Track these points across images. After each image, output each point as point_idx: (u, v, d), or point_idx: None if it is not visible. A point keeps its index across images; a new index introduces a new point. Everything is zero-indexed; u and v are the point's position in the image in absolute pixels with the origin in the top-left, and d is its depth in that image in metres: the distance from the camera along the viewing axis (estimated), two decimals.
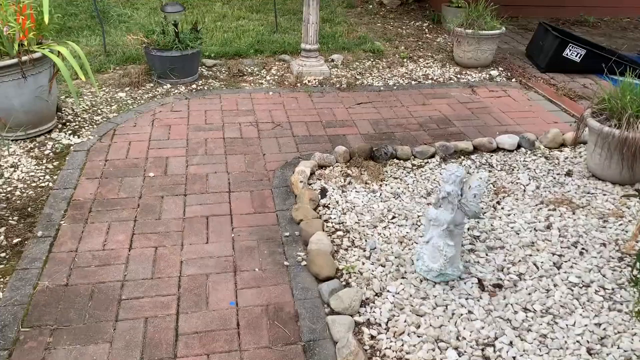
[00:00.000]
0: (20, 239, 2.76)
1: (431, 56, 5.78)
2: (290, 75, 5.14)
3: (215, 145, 3.78)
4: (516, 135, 3.81)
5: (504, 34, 5.55)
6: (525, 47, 5.97)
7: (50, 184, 3.25)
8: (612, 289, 2.47)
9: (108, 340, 2.18)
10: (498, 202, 3.15)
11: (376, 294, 2.43)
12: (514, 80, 5.19)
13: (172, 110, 4.27)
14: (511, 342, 2.17)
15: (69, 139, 3.75)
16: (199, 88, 4.75)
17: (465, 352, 2.13)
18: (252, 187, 3.29)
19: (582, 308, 2.36)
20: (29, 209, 3.00)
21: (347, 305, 2.30)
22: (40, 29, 3.64)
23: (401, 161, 3.59)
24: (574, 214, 3.04)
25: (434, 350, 2.14)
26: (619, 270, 2.59)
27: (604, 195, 3.24)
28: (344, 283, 2.48)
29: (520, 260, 2.65)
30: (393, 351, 2.13)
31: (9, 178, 3.29)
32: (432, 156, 3.65)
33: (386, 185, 3.30)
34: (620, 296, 2.43)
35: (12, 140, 3.63)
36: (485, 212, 3.03)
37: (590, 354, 2.13)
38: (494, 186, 3.33)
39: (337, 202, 3.11)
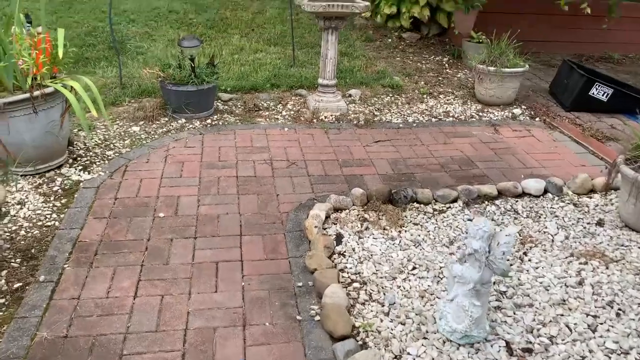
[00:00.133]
0: (21, 284, 2.63)
1: (452, 92, 5.65)
2: (307, 110, 5.04)
3: (228, 184, 3.66)
4: (542, 180, 3.63)
5: (527, 71, 5.42)
6: (549, 85, 5.82)
7: (57, 223, 3.14)
8: None
9: None
10: (525, 253, 2.96)
11: (395, 357, 2.24)
12: (537, 119, 5.03)
13: (186, 146, 4.17)
14: None
15: (79, 175, 3.65)
16: (213, 123, 4.66)
17: None
18: (264, 231, 3.14)
19: None
20: (33, 251, 2.89)
21: None
22: (55, 62, 3.58)
23: (422, 205, 3.43)
24: (607, 268, 2.83)
25: None
26: None
27: None
28: (360, 343, 2.31)
29: (551, 321, 2.45)
30: None
31: (14, 216, 3.19)
32: (455, 200, 3.48)
33: (406, 231, 3.14)
34: None
35: (21, 176, 3.55)
36: (511, 265, 2.85)
37: None
38: (520, 235, 3.14)
39: (354, 249, 2.94)
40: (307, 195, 3.55)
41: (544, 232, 3.17)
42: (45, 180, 3.59)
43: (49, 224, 3.14)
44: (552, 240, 3.09)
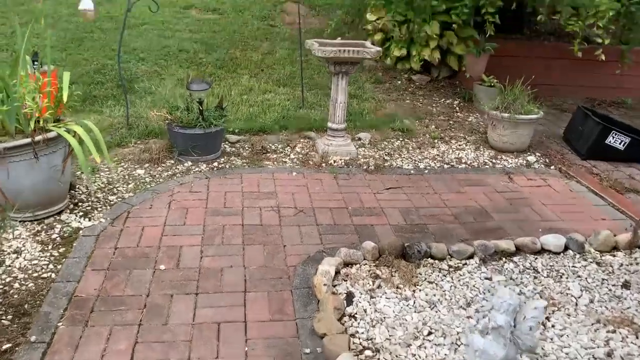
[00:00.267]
0: (11, 345, 2.46)
1: (464, 137, 5.53)
2: (316, 154, 4.92)
3: (233, 233, 3.51)
4: (562, 236, 3.46)
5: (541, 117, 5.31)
6: (563, 131, 5.70)
7: (53, 275, 2.99)
8: None
9: None
10: (547, 318, 2.77)
11: None
12: (553, 167, 4.89)
13: (191, 191, 4.04)
14: None
15: (79, 222, 3.52)
16: (220, 166, 4.54)
17: None
18: (270, 287, 2.98)
19: None
20: (26, 306, 2.73)
21: None
22: (59, 106, 3.49)
23: (436, 261, 3.26)
24: (637, 338, 2.64)
25: None
26: None
27: None
28: None
29: None
30: None
31: (9, 266, 3.04)
32: (471, 257, 3.31)
33: (420, 290, 2.96)
34: None
35: (19, 222, 3.42)
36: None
37: None
38: (541, 297, 2.96)
39: (365, 310, 2.77)
40: (315, 247, 3.39)
41: (567, 294, 2.99)
42: (44, 227, 3.45)
43: (45, 275, 2.99)
44: (576, 304, 2.90)
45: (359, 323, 2.67)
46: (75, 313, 2.69)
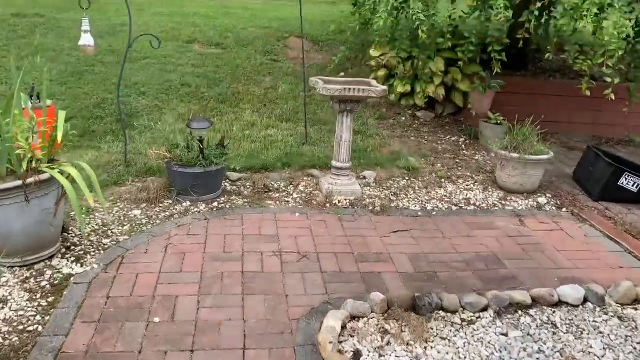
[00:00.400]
0: None
1: (471, 177, 5.39)
2: (319, 193, 4.77)
3: (233, 281, 3.32)
4: (580, 287, 3.28)
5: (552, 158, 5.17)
6: (573, 171, 5.55)
7: (40, 328, 2.79)
8: None
9: None
10: None
11: None
12: (564, 209, 4.72)
13: (189, 234, 3.87)
14: None
15: (70, 268, 3.34)
16: (220, 206, 4.38)
17: None
18: (270, 344, 2.78)
19: None
20: None
21: None
22: (53, 146, 3.34)
23: (448, 314, 3.06)
24: None
25: None
26: None
27: None
28: None
29: None
30: None
31: None
32: (485, 309, 3.11)
33: (432, 348, 2.76)
34: None
35: (7, 268, 3.24)
36: None
37: None
38: (561, 355, 2.76)
39: None
40: (320, 297, 3.21)
41: (589, 353, 2.79)
42: (34, 273, 3.27)
43: (30, 328, 2.79)
44: None
45: None
46: None
